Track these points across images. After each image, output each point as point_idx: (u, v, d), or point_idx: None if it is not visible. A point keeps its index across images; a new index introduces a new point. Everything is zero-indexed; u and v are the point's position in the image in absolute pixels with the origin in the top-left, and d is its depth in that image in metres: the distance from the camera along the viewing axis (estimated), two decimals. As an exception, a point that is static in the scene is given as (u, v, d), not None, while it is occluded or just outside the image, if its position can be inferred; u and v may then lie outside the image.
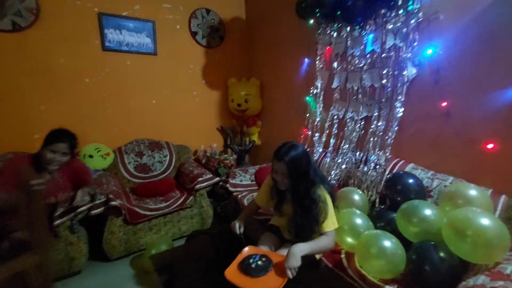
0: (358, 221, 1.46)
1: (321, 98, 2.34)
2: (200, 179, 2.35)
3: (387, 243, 1.25)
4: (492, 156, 1.45)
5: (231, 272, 1.23)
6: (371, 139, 1.93)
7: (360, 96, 2.04)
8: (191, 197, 2.33)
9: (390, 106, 1.85)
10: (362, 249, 1.31)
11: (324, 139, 2.30)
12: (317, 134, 2.34)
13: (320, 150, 2.29)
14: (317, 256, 1.45)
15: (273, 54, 2.85)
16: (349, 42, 2.06)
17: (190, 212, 2.36)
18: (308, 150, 2.40)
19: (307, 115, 2.44)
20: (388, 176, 1.67)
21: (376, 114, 1.92)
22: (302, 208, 1.37)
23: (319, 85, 2.34)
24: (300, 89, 2.54)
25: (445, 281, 1.11)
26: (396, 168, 1.75)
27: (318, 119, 2.35)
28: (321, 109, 2.35)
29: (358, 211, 1.53)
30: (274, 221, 1.65)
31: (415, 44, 1.69)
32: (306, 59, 2.44)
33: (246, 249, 1.35)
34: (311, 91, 2.40)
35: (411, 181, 1.52)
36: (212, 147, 2.95)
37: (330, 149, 2.22)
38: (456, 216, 1.18)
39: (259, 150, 3.25)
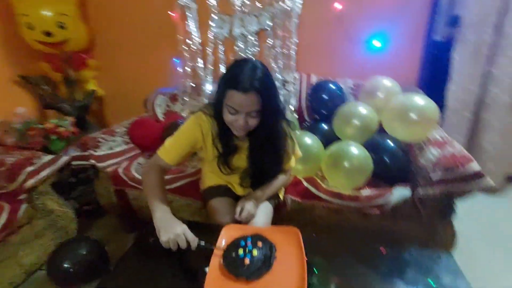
0: (308, 141, 1.30)
1: (194, 14, 1.76)
2: (29, 168, 1.30)
3: (354, 150, 1.19)
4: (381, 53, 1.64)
5: (213, 284, 0.69)
6: (271, 55, 1.71)
7: (247, 6, 1.68)
8: (23, 206, 1.28)
9: (284, 15, 1.65)
10: (334, 166, 1.19)
11: (210, 66, 1.83)
12: (200, 62, 1.82)
13: (211, 80, 1.83)
14: (281, 197, 1.20)
15: None
16: None
17: (32, 231, 1.33)
18: (196, 85, 1.86)
19: (179, 38, 1.81)
20: (310, 88, 1.58)
21: (270, 25, 1.67)
22: (264, 151, 1.00)
23: (187, -6, 1.72)
24: (159, 2, 1.79)
25: (403, 164, 1.22)
26: (303, 81, 1.68)
27: (195, 42, 1.80)
28: (196, 28, 1.79)
29: (298, 131, 1.37)
30: (216, 181, 1.18)
31: None
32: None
33: (223, 232, 0.85)
34: (178, 3, 1.74)
35: (333, 87, 1.51)
36: (19, 114, 1.68)
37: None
38: (394, 104, 1.27)
39: (105, 103, 2.25)
